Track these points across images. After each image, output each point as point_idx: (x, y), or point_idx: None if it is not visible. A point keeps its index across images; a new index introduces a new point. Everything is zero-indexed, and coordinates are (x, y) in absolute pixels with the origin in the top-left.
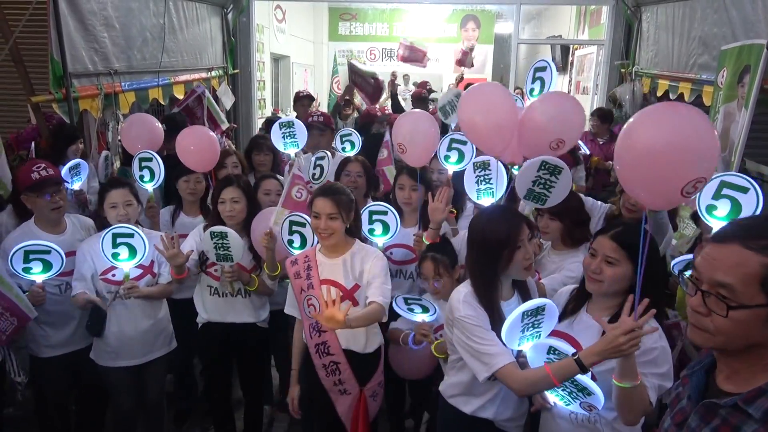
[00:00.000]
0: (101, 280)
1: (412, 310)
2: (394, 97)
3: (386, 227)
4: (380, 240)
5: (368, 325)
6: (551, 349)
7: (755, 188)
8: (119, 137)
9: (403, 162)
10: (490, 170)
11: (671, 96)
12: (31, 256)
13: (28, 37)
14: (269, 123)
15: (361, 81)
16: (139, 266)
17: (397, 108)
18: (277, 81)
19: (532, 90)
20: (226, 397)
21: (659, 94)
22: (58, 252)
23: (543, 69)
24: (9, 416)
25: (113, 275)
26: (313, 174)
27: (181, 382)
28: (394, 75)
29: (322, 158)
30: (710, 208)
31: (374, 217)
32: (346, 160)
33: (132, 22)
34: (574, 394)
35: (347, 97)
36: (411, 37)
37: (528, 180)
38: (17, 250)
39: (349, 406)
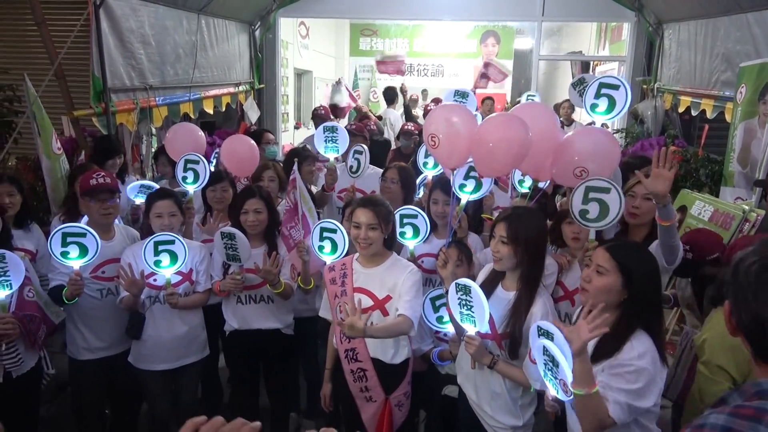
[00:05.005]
0: None
1: (441, 320)
2: (407, 108)
3: (416, 230)
4: (411, 243)
5: (391, 337)
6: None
7: (615, 187)
8: (153, 149)
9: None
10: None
11: (693, 112)
12: (68, 239)
13: (70, 54)
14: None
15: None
16: (179, 273)
17: (410, 118)
18: (300, 95)
19: (594, 106)
20: (253, 404)
21: (681, 110)
22: (93, 236)
23: (615, 87)
24: (46, 416)
25: (154, 280)
26: (351, 166)
27: (207, 387)
28: (403, 87)
29: (360, 152)
30: (583, 213)
31: (405, 220)
32: (387, 167)
33: (166, 40)
34: (554, 371)
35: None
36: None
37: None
38: (56, 232)
39: (374, 413)
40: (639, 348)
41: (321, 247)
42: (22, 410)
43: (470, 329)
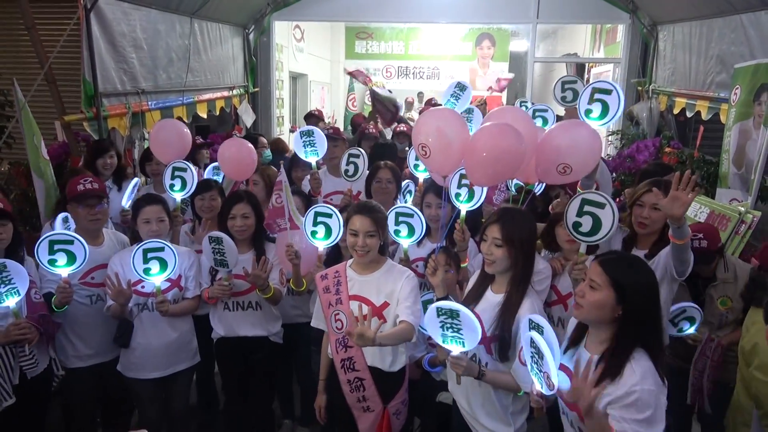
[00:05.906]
0: None
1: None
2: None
3: (411, 229)
4: (405, 242)
5: (397, 344)
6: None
7: (610, 203)
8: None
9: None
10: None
11: (688, 114)
12: (56, 247)
13: (61, 58)
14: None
15: (381, 107)
16: (168, 279)
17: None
18: (295, 99)
19: (589, 111)
20: (246, 411)
21: (676, 111)
22: (81, 243)
23: (607, 92)
24: None
25: (142, 287)
26: (346, 170)
27: (202, 394)
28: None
29: (356, 156)
30: (576, 225)
31: (400, 218)
32: (376, 167)
33: (159, 43)
34: (539, 364)
35: (371, 124)
36: None
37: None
38: (42, 240)
39: (371, 423)
40: (639, 371)
41: (314, 233)
42: (32, 412)
43: (456, 349)
